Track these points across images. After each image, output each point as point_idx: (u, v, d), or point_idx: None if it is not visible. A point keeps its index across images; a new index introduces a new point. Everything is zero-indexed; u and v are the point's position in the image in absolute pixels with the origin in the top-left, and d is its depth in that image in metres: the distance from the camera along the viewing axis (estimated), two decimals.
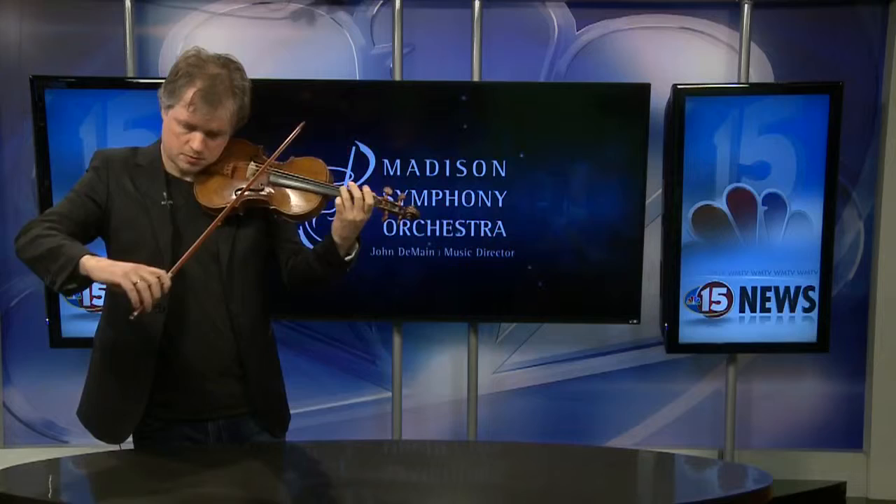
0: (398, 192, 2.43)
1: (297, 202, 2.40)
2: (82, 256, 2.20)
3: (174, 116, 2.36)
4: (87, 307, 3.69)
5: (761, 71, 3.90)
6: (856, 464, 4.06)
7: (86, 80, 3.69)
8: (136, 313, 2.16)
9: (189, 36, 3.86)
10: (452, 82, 3.75)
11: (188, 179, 2.43)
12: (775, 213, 3.73)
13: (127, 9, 3.74)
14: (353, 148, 3.62)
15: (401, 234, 3.69)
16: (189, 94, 2.33)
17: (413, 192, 3.64)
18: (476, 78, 3.79)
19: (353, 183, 2.37)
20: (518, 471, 2.35)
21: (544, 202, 3.71)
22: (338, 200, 2.33)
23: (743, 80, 3.81)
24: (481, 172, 3.68)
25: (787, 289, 3.76)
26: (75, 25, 3.86)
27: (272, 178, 2.40)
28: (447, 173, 3.68)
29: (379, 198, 2.37)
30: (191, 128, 2.35)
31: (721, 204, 3.73)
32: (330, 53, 3.88)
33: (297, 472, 2.40)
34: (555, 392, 4.07)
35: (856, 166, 3.96)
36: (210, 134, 2.36)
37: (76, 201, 2.39)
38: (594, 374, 4.06)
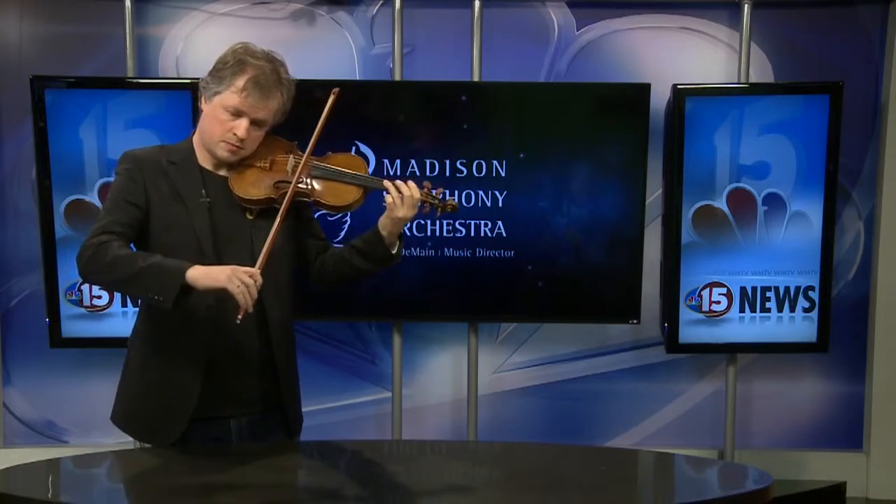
0: (436, 187, 2.49)
1: (339, 193, 2.44)
2: (186, 270, 2.22)
3: (221, 103, 2.38)
4: (87, 307, 3.70)
5: (761, 71, 3.90)
6: (856, 464, 4.06)
7: (86, 80, 3.69)
8: (241, 316, 2.22)
9: (189, 36, 3.86)
10: (452, 82, 3.75)
11: (222, 174, 2.44)
12: (775, 213, 3.73)
13: (127, 9, 3.74)
14: (353, 148, 3.62)
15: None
16: (242, 80, 2.36)
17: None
18: (476, 78, 3.79)
19: (398, 181, 2.42)
20: (518, 471, 2.35)
21: (544, 202, 3.71)
22: (388, 198, 2.41)
23: (743, 80, 3.81)
24: (481, 172, 3.68)
25: (787, 289, 3.76)
26: (75, 25, 3.86)
27: (312, 172, 2.44)
28: (447, 173, 3.68)
29: (422, 191, 2.44)
30: (238, 114, 2.37)
31: (721, 204, 3.73)
32: (330, 53, 3.88)
33: (296, 472, 2.40)
34: (555, 392, 4.07)
35: (856, 166, 3.97)
36: (255, 123, 2.39)
37: (117, 209, 2.36)
38: (594, 374, 4.07)
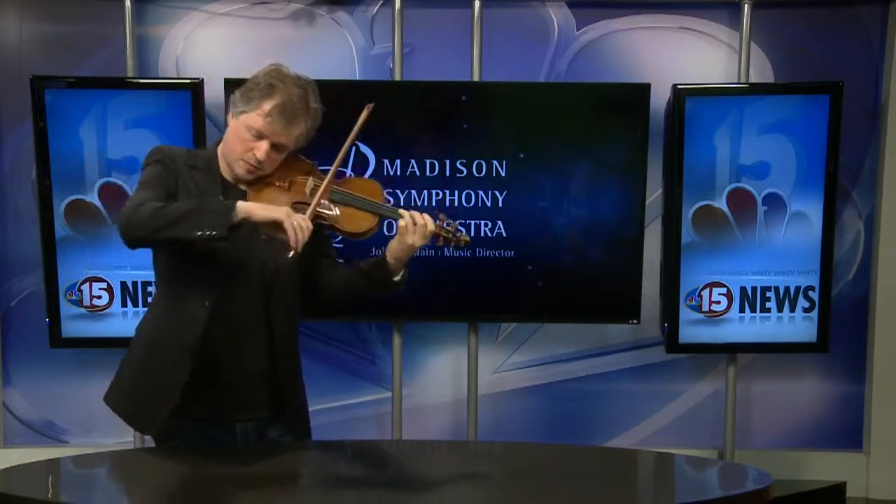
0: (450, 220, 2.52)
1: (355, 220, 2.46)
2: (234, 202, 2.26)
3: (246, 122, 2.41)
4: (87, 307, 3.70)
5: (761, 71, 3.90)
6: (856, 464, 4.07)
7: (86, 80, 3.70)
8: (291, 253, 2.25)
9: (189, 36, 3.86)
10: (452, 82, 3.75)
11: (242, 187, 2.47)
12: (775, 213, 3.73)
13: (127, 9, 3.74)
14: (353, 148, 3.62)
15: None
16: (268, 105, 2.40)
17: (413, 191, 3.66)
18: (476, 78, 3.79)
19: (414, 212, 2.45)
20: (518, 471, 2.35)
21: (544, 202, 3.71)
22: (401, 223, 2.43)
23: (743, 80, 3.81)
24: (481, 172, 3.68)
25: (787, 289, 3.76)
26: (75, 25, 3.86)
27: (332, 196, 2.46)
28: (447, 173, 3.68)
29: (437, 224, 2.46)
30: (260, 136, 2.40)
31: (721, 204, 3.73)
32: (330, 53, 3.88)
33: (295, 471, 2.40)
34: (555, 392, 4.07)
35: (856, 166, 3.97)
36: (275, 147, 2.42)
37: (150, 190, 2.38)
38: (594, 374, 4.06)
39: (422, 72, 3.84)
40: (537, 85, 3.87)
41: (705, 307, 3.78)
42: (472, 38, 3.79)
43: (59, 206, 3.64)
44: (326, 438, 3.71)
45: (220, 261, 2.39)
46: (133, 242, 2.33)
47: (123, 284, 3.70)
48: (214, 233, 2.23)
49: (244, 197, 2.44)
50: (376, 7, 3.88)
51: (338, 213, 2.45)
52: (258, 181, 2.46)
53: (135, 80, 3.72)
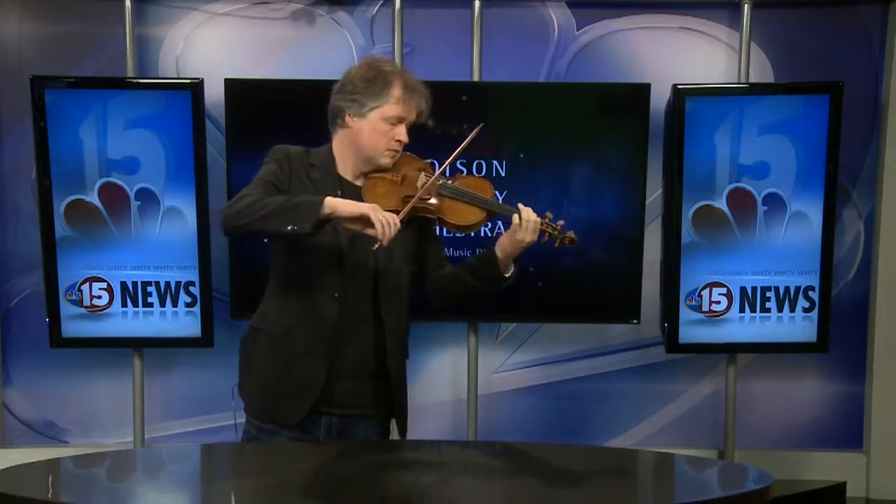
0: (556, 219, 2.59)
1: (462, 213, 2.56)
2: (324, 198, 2.32)
3: (382, 116, 2.51)
4: (87, 307, 3.70)
5: (761, 71, 3.90)
6: (856, 464, 4.06)
7: (86, 80, 3.70)
8: (377, 245, 2.33)
9: (189, 36, 3.86)
10: (452, 82, 3.75)
11: (358, 184, 2.56)
12: (775, 213, 3.73)
13: (127, 9, 3.74)
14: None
15: None
16: (396, 90, 2.50)
17: None
18: (476, 78, 3.79)
19: (524, 208, 2.52)
20: (518, 471, 2.35)
21: (544, 202, 3.69)
22: (515, 219, 2.50)
23: (743, 80, 3.81)
24: (481, 172, 3.68)
25: (787, 289, 3.76)
26: (75, 25, 3.86)
27: (440, 190, 2.56)
28: (447, 173, 3.66)
29: (542, 220, 2.53)
30: (400, 120, 2.51)
31: (721, 204, 3.73)
32: (330, 53, 3.88)
33: (294, 471, 2.40)
34: (555, 392, 4.07)
35: (856, 166, 3.97)
36: (409, 125, 2.54)
37: (260, 188, 2.46)
38: (594, 374, 4.06)
39: (422, 72, 3.76)
40: (537, 85, 3.87)
41: (705, 307, 3.78)
42: (472, 38, 3.79)
43: (59, 206, 3.64)
44: None
45: (337, 254, 2.46)
46: (230, 231, 2.44)
47: (123, 284, 3.70)
48: (303, 227, 2.31)
49: (359, 192, 2.53)
50: (376, 7, 3.88)
51: (445, 206, 2.54)
52: (373, 175, 2.55)
53: (135, 80, 3.72)
